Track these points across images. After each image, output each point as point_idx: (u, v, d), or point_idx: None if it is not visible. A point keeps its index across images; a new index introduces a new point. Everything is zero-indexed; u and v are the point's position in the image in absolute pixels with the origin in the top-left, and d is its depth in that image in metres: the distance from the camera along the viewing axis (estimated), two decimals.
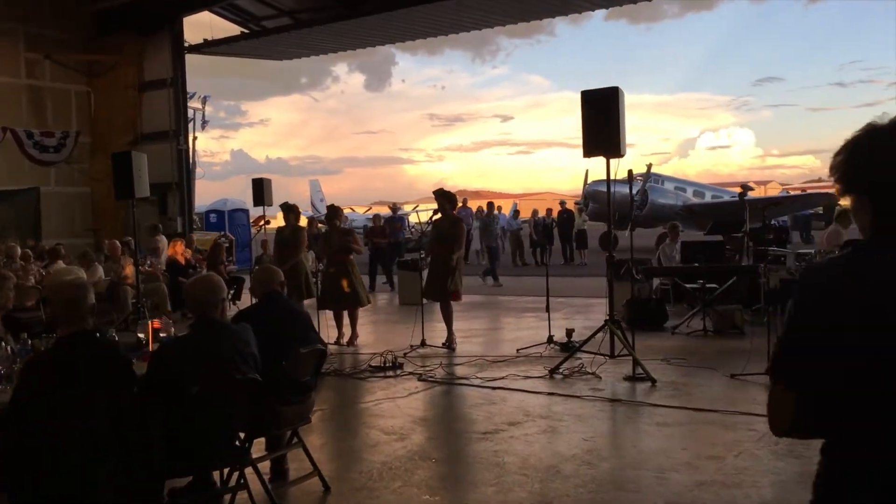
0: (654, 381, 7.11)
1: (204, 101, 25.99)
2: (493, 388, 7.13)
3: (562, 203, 25.15)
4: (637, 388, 7.04)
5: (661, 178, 28.00)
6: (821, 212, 28.94)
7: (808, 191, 40.89)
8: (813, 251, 9.92)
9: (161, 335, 4.81)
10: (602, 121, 7.42)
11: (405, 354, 8.83)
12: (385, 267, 16.76)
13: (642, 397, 6.66)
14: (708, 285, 10.33)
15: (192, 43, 19.60)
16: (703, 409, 6.18)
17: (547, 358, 8.53)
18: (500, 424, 5.97)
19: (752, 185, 31.70)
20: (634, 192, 27.07)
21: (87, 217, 19.79)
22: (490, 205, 18.99)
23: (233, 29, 19.53)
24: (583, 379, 7.43)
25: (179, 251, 13.25)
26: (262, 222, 15.47)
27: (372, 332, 11.01)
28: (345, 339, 9.93)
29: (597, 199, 27.76)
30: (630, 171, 7.85)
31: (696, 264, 10.58)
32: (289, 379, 4.33)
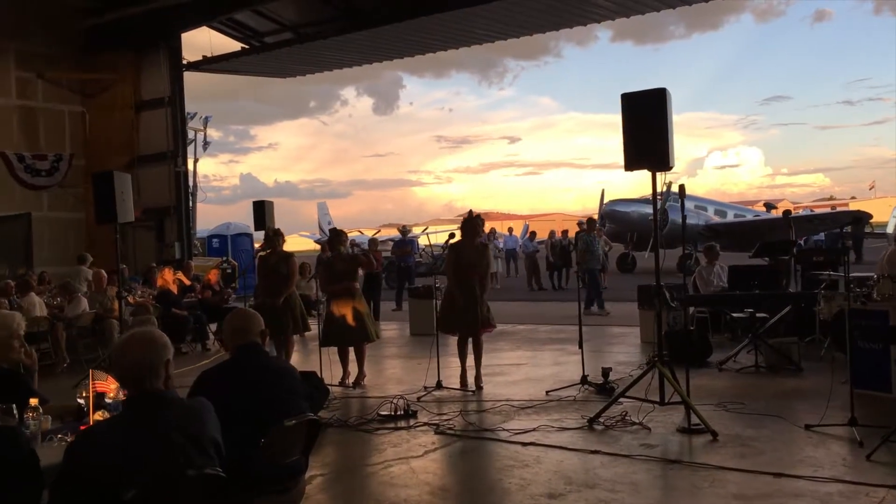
0: (715, 435, 5.99)
1: (205, 122, 25.23)
2: (525, 445, 6.02)
3: (580, 224, 24.00)
4: (696, 444, 5.92)
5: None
6: (848, 230, 27.70)
7: (824, 209, 39.73)
8: (875, 276, 8.75)
9: (107, 401, 3.75)
10: (647, 128, 6.35)
11: (419, 399, 7.74)
12: (371, 295, 15.16)
13: (705, 457, 5.53)
14: (758, 315, 9.20)
15: (192, 60, 18.76)
16: (786, 473, 5.05)
17: (581, 402, 7.43)
18: (539, 497, 4.86)
19: (775, 205, 30.55)
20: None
21: (81, 244, 18.75)
22: (590, 222, 16.24)
23: (233, 46, 18.68)
24: (628, 431, 6.32)
25: (169, 279, 12.21)
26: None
27: (381, 369, 9.93)
28: (350, 379, 8.86)
29: (614, 219, 26.73)
30: (682, 187, 6.76)
31: (738, 291, 9.44)
32: (269, 463, 3.25)
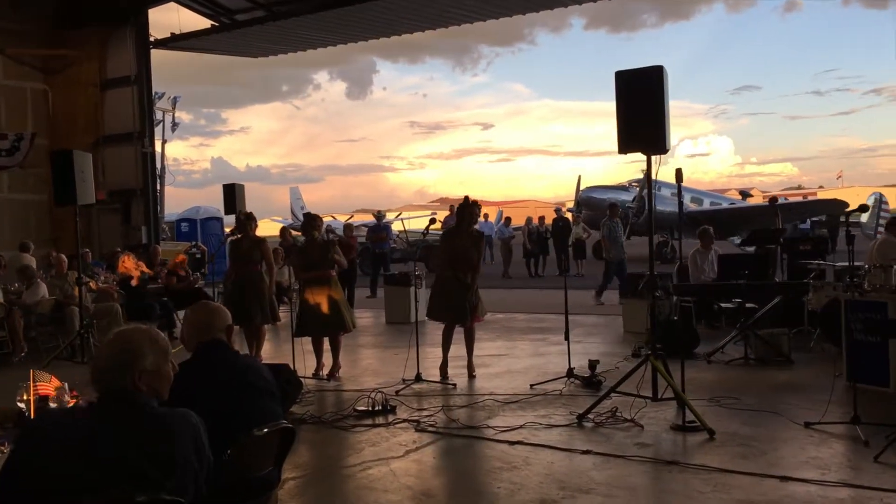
0: (712, 433, 5.68)
1: (174, 102, 24.55)
2: (512, 444, 5.66)
3: (557, 210, 23.75)
4: (692, 443, 5.60)
5: (658, 184, 26.68)
6: (823, 219, 27.62)
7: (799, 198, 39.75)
8: (866, 266, 8.48)
9: (52, 405, 3.32)
10: (643, 108, 6.00)
11: (397, 392, 7.36)
12: (346, 283, 14.71)
13: (704, 457, 5.20)
14: (747, 305, 8.92)
15: (160, 38, 18.11)
16: (792, 477, 4.73)
17: (568, 397, 7.09)
18: None
19: (750, 192, 30.41)
20: (631, 199, 25.90)
21: (44, 226, 18.12)
22: (612, 207, 15.07)
23: (204, 24, 18.04)
24: (620, 428, 5.99)
25: (130, 267, 11.68)
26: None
27: (356, 360, 9.52)
28: (325, 371, 8.44)
29: (590, 205, 26.46)
30: (678, 171, 6.42)
31: (728, 281, 9.13)
32: (237, 477, 2.85)
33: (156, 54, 18.22)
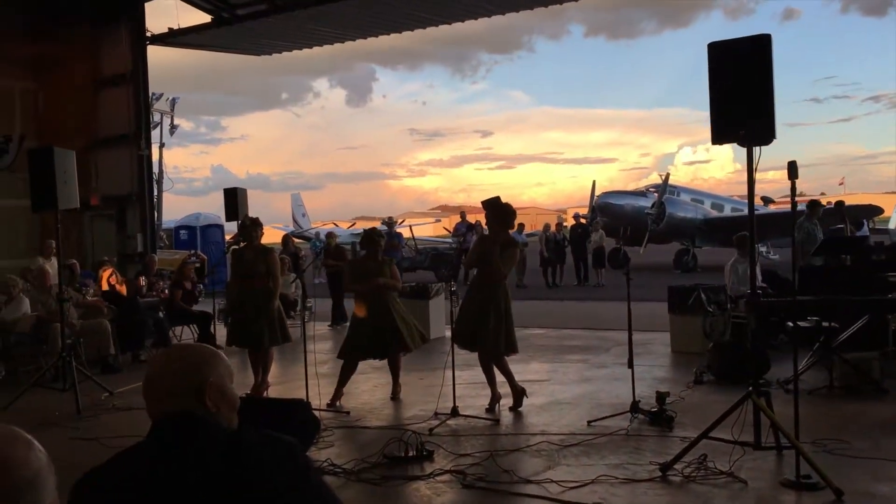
0: (839, 494, 4.53)
1: (172, 104, 23.47)
2: None
3: (576, 217, 22.63)
4: None
5: (676, 190, 25.59)
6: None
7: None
8: None
9: None
10: (743, 89, 4.86)
11: (431, 431, 6.21)
12: (335, 295, 13.56)
13: None
14: (828, 324, 7.77)
15: (156, 33, 17.03)
16: None
17: (636, 438, 5.94)
18: None
19: (772, 197, 29.19)
20: (650, 205, 24.76)
21: (34, 234, 16.94)
22: (813, 204, 11.86)
23: (203, 19, 16.98)
24: (717, 484, 4.83)
25: (112, 281, 10.59)
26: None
27: (376, 387, 8.34)
28: (341, 401, 7.31)
29: (607, 212, 25.32)
30: (793, 164, 5.24)
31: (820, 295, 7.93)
32: None
33: (153, 55, 17.16)
